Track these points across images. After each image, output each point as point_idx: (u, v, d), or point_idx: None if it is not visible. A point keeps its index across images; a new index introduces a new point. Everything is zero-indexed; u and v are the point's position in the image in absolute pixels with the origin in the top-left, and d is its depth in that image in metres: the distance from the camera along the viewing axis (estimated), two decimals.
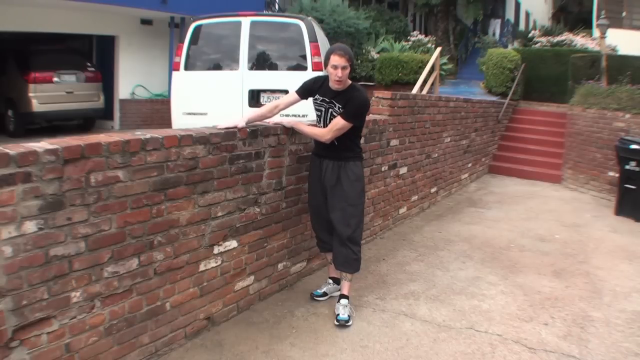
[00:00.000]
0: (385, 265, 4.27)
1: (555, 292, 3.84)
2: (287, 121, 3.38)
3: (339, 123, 3.15)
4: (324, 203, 3.34)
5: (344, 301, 3.30)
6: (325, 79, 3.29)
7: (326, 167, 3.28)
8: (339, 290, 3.45)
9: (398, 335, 3.12)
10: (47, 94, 9.58)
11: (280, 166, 3.45)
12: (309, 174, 3.50)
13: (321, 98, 3.24)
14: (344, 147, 3.23)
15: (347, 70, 3.10)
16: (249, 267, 3.31)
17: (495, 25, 18.39)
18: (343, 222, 3.25)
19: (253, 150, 3.19)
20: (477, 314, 3.43)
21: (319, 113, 3.28)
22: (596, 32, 13.09)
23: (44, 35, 10.26)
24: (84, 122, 10.80)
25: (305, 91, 3.35)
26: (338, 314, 3.24)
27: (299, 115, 4.98)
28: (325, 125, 3.24)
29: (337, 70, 3.07)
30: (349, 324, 3.21)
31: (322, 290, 3.60)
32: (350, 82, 3.22)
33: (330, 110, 3.20)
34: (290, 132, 3.48)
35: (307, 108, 3.83)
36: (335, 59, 3.06)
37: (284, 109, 3.37)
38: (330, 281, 3.64)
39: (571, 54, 11.11)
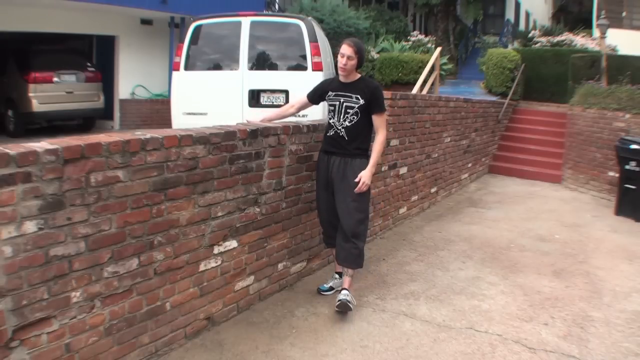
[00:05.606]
0: (385, 265, 4.27)
1: (555, 292, 3.84)
2: (369, 173, 3.28)
3: (382, 119, 3.36)
4: (331, 198, 3.43)
5: (344, 292, 3.33)
6: (335, 77, 3.53)
7: (333, 163, 3.38)
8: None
9: (398, 335, 3.12)
10: (47, 94, 9.57)
11: (280, 166, 3.45)
12: (317, 170, 3.57)
13: (334, 93, 3.40)
14: (355, 145, 3.34)
15: (352, 62, 3.27)
16: (249, 267, 3.31)
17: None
18: (348, 217, 3.32)
19: (253, 150, 3.19)
20: (477, 314, 3.43)
21: (333, 108, 3.40)
22: (596, 32, 13.10)
23: (44, 35, 10.25)
24: (84, 122, 10.79)
25: (315, 95, 3.56)
26: (339, 298, 3.26)
27: (298, 116, 4.96)
28: (340, 117, 3.35)
29: (342, 59, 3.27)
30: (350, 305, 3.22)
31: (329, 285, 3.65)
32: (358, 74, 3.39)
33: (345, 102, 3.34)
34: (290, 132, 3.49)
35: (307, 109, 3.82)
36: (343, 48, 3.29)
37: (297, 111, 3.68)
38: (337, 276, 3.67)
39: (571, 54, 11.10)
